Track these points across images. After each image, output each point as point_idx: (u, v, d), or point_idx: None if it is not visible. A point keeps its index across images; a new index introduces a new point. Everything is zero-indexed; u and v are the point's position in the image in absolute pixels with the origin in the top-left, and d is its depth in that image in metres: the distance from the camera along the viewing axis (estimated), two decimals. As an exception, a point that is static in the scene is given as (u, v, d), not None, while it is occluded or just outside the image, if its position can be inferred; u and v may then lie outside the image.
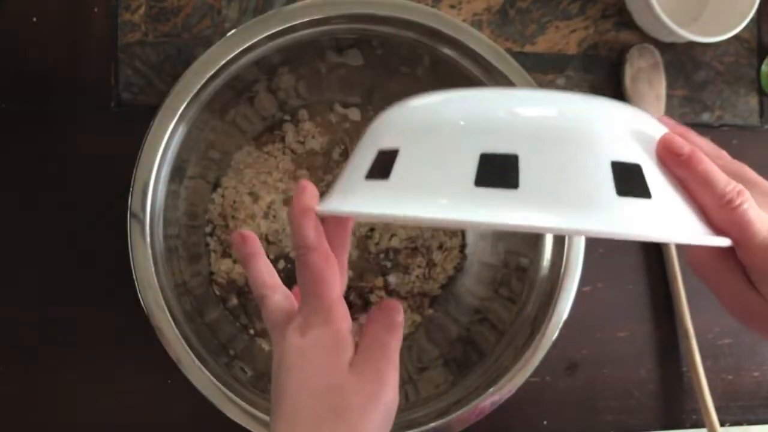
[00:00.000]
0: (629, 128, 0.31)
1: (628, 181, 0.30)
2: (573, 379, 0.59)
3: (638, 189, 0.30)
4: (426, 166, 0.30)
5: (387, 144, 0.32)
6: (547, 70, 0.60)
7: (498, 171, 0.29)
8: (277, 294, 0.36)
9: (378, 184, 0.31)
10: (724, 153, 0.35)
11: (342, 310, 0.33)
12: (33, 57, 0.53)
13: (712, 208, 0.31)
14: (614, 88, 0.61)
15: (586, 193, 0.29)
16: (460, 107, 0.31)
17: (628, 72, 0.60)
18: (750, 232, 0.31)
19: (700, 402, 0.59)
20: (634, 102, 0.60)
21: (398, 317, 0.34)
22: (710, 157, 0.32)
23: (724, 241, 0.31)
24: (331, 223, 0.34)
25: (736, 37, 0.60)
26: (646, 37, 0.62)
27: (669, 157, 0.31)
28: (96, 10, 0.54)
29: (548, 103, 0.31)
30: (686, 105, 0.63)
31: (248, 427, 0.47)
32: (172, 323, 0.46)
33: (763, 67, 0.63)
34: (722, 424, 0.60)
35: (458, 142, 0.30)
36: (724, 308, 0.34)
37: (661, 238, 0.32)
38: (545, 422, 0.59)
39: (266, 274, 0.36)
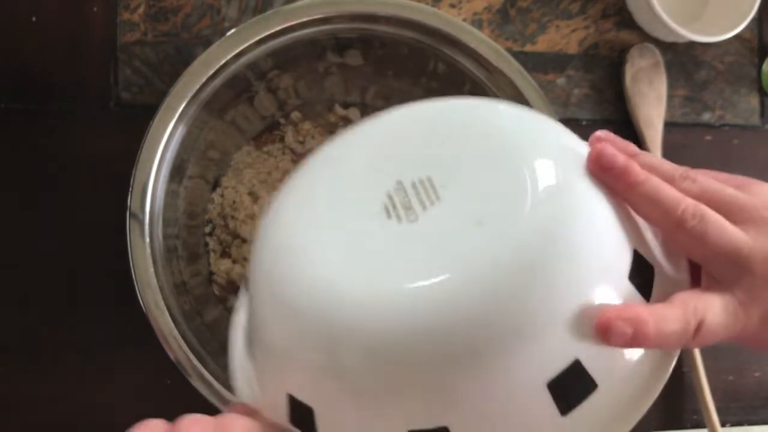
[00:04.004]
0: (561, 316, 0.25)
1: (571, 389, 0.26)
2: (573, 379, 0.59)
3: (582, 389, 0.26)
4: None
5: (295, 391, 0.28)
6: (547, 70, 0.60)
7: None
8: None
9: None
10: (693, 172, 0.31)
11: None
12: (32, 56, 0.53)
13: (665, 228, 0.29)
14: (615, 88, 0.61)
15: None
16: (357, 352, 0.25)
17: (629, 72, 0.60)
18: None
19: (701, 402, 0.58)
20: (635, 102, 0.60)
21: None
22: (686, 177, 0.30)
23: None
24: None
25: (737, 36, 0.60)
26: (646, 37, 0.61)
27: (602, 173, 0.28)
28: (95, 9, 0.54)
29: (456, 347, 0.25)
30: (687, 105, 0.63)
31: (248, 428, 0.47)
32: (171, 323, 0.46)
33: (764, 67, 0.63)
34: (723, 425, 0.60)
35: (376, 414, 0.26)
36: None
37: (629, 426, 0.27)
38: (546, 423, 0.59)
39: None
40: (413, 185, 0.28)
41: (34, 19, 0.53)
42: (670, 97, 0.62)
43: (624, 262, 0.27)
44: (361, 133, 0.32)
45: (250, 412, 0.31)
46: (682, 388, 0.61)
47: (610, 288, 0.26)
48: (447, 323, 0.24)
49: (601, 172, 0.28)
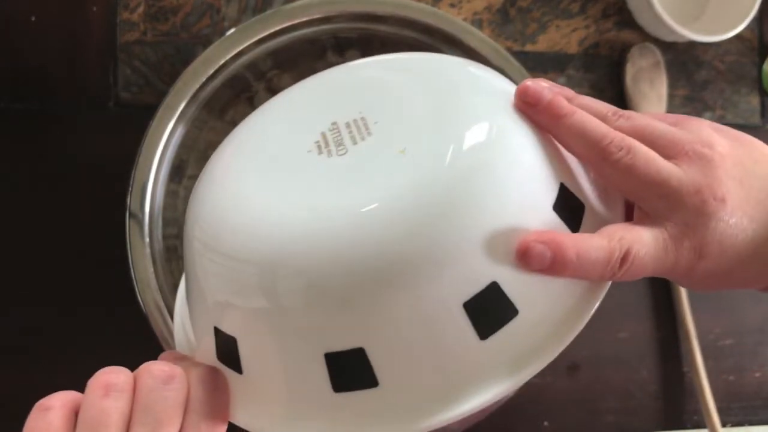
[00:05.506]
0: (480, 237, 0.25)
1: (489, 312, 0.26)
2: (574, 379, 0.59)
3: (502, 314, 0.26)
4: (275, 370, 0.27)
5: (220, 323, 0.28)
6: (547, 70, 0.60)
7: (350, 370, 0.26)
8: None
9: (235, 377, 0.28)
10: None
11: None
12: (31, 56, 0.53)
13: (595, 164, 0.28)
14: (615, 88, 0.61)
15: (448, 364, 0.25)
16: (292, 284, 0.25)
17: (630, 71, 0.60)
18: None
19: (702, 403, 0.58)
20: (635, 102, 0.60)
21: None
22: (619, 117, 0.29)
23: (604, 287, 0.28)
24: None
25: (737, 36, 0.59)
26: (647, 37, 0.61)
27: (527, 108, 0.28)
28: (95, 9, 0.54)
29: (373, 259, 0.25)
30: (688, 105, 0.63)
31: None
32: (172, 323, 0.46)
33: (765, 67, 0.63)
34: (724, 425, 0.59)
35: (295, 338, 0.26)
36: None
37: (550, 358, 0.27)
38: (546, 423, 0.58)
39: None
40: (347, 125, 0.29)
41: (33, 18, 0.53)
42: (671, 97, 0.62)
43: (549, 193, 0.27)
44: (299, 87, 0.33)
45: (178, 357, 0.31)
46: (682, 389, 0.61)
47: (533, 216, 0.27)
48: (361, 244, 0.25)
49: (526, 107, 0.28)
